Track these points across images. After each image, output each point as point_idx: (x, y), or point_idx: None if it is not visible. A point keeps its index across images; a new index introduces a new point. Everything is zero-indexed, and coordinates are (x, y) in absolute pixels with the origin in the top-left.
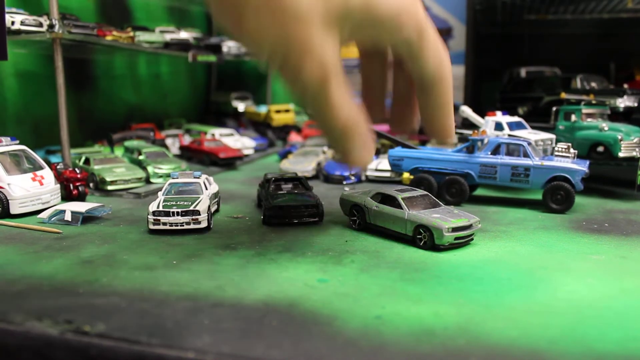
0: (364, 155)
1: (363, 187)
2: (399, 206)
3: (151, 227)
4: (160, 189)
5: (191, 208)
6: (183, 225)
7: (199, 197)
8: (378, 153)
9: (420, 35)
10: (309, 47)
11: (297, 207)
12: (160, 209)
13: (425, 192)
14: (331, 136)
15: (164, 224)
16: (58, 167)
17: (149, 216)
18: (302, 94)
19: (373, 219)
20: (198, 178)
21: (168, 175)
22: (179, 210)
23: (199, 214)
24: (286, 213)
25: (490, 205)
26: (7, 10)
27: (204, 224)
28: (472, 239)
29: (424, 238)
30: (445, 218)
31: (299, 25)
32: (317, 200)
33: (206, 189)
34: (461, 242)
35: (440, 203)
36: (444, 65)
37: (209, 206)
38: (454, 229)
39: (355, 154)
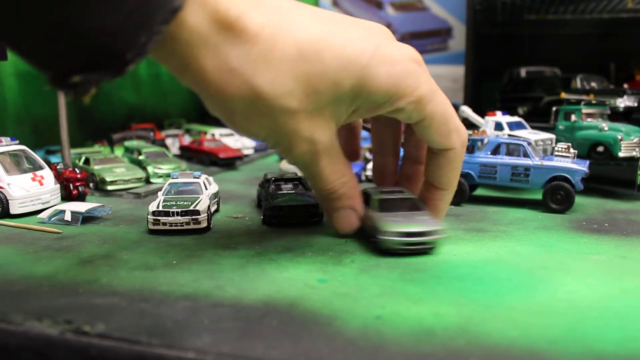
0: (347, 221)
1: (362, 187)
2: (372, 207)
3: (151, 227)
4: (160, 189)
5: (191, 208)
6: (183, 225)
7: (198, 197)
8: None
9: (420, 105)
10: (298, 133)
11: (297, 207)
12: (160, 209)
13: (410, 196)
14: (320, 199)
15: (164, 224)
16: (58, 167)
17: (148, 216)
18: (295, 164)
19: None
20: (198, 178)
21: (168, 175)
22: (179, 210)
23: (199, 214)
24: (286, 213)
25: (490, 205)
26: None
27: (203, 224)
28: (432, 247)
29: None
30: (398, 221)
31: (288, 120)
32: (317, 200)
33: (206, 189)
34: (412, 250)
35: (422, 207)
36: (449, 139)
37: (208, 206)
38: (402, 234)
39: (339, 218)
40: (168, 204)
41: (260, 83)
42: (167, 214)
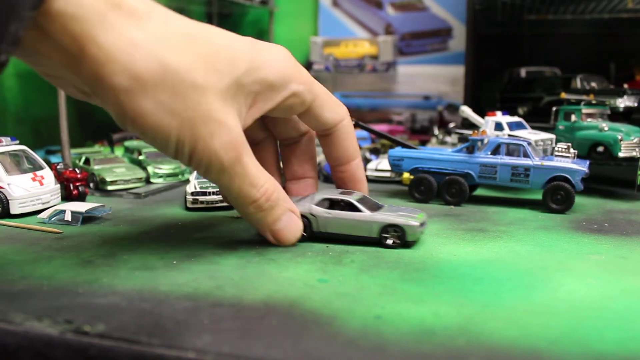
0: (294, 226)
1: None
2: (357, 209)
3: (190, 205)
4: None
5: None
6: (217, 203)
7: None
8: (378, 153)
9: (308, 86)
10: (213, 115)
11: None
12: (198, 189)
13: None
14: (254, 217)
15: (202, 202)
16: (58, 167)
17: (187, 197)
18: (218, 174)
19: (323, 226)
20: None
21: (168, 175)
22: (214, 190)
23: None
24: None
25: (490, 205)
26: None
27: None
28: None
29: (393, 236)
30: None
31: (200, 98)
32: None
33: None
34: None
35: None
36: (338, 111)
37: None
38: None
39: (285, 228)
40: (204, 185)
41: (167, 56)
42: (204, 193)
